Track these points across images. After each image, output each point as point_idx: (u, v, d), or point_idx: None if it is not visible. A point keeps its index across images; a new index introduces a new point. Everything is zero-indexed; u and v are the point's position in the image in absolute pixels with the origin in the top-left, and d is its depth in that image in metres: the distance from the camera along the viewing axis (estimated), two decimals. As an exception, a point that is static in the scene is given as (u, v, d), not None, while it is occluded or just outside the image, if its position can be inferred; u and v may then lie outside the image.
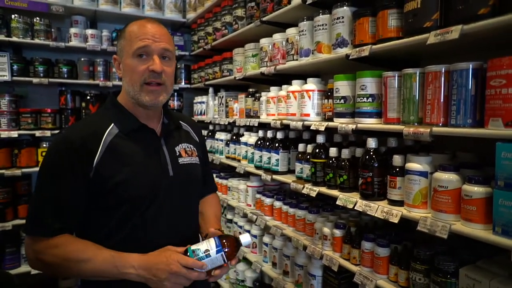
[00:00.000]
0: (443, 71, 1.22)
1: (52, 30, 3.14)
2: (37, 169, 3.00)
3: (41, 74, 3.08)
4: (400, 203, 1.38)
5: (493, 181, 1.06)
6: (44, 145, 3.11)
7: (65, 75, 3.17)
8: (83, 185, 1.09)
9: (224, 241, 1.07)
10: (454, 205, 1.18)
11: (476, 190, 1.10)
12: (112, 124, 1.16)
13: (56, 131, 3.09)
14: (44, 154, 3.02)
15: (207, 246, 1.05)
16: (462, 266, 1.19)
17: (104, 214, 1.13)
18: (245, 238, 1.11)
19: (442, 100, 1.22)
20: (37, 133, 3.01)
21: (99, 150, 1.09)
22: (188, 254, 1.05)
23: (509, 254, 0.97)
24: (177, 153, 1.26)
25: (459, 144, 1.51)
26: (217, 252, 1.04)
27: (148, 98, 1.14)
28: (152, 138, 1.21)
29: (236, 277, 2.62)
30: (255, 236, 2.45)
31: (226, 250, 1.06)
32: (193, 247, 1.07)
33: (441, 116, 1.22)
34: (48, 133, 3.04)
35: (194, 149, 1.34)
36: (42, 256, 1.07)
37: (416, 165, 1.30)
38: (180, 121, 1.37)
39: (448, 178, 1.19)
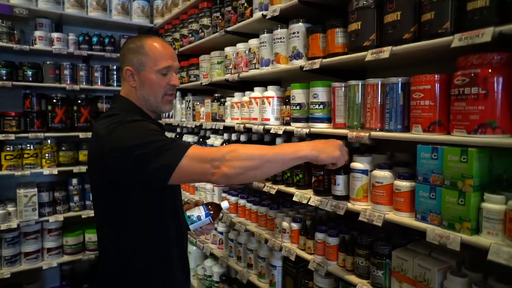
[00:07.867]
0: (379, 84, 1.43)
1: (15, 32, 3.10)
2: (1, 173, 2.99)
3: (4, 77, 3.04)
4: (343, 198, 1.57)
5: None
6: (8, 149, 3.06)
7: (30, 78, 3.15)
8: None
9: (209, 206, 1.47)
10: (388, 197, 1.39)
11: (404, 184, 1.31)
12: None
13: (21, 135, 3.07)
14: (7, 157, 3.02)
15: (199, 213, 1.44)
16: (395, 249, 1.41)
17: (154, 196, 1.33)
18: (224, 204, 1.53)
19: (378, 108, 1.42)
20: (0, 137, 2.97)
21: None
22: (185, 217, 1.43)
23: (428, 236, 1.19)
24: None
25: (397, 145, 1.72)
26: (206, 216, 1.45)
27: (168, 107, 1.44)
28: None
29: (204, 273, 2.74)
30: (221, 233, 2.60)
31: (211, 213, 1.46)
32: (188, 212, 1.45)
33: (378, 122, 1.43)
34: (12, 137, 3.00)
35: None
36: (224, 162, 1.17)
37: (358, 164, 1.50)
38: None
39: (384, 175, 1.40)
